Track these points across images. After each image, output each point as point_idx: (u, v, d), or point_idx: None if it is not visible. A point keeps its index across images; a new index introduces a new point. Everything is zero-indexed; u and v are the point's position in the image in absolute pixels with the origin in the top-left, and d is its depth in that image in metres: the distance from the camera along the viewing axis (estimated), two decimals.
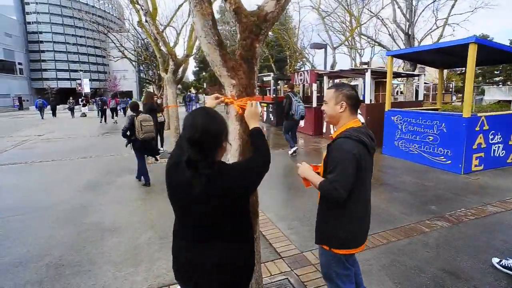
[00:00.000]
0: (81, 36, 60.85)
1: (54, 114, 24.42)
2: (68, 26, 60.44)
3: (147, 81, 21.77)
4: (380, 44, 18.49)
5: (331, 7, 20.74)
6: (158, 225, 3.95)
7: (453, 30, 31.44)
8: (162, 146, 8.95)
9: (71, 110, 23.50)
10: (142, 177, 5.68)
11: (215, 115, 1.32)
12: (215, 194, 1.25)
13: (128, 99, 29.60)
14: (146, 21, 8.28)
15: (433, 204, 4.42)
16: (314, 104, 10.98)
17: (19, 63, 56.30)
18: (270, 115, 14.50)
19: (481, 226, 3.69)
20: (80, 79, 37.69)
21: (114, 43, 19.44)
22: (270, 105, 14.57)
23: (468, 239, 3.38)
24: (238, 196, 1.35)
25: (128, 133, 5.36)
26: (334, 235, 1.76)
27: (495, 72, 40.08)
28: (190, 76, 54.42)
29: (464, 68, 8.54)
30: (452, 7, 16.87)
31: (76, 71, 47.39)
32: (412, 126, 6.91)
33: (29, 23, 59.83)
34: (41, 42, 60.16)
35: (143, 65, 29.08)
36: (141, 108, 6.00)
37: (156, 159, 7.23)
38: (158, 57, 8.80)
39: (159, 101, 8.69)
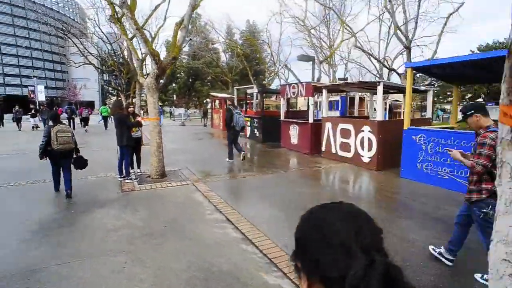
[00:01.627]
0: (36, 40, 55.90)
1: (1, 123, 21.68)
2: (19, 27, 55.30)
3: (114, 89, 19.69)
4: (361, 66, 18.51)
5: (310, 23, 20.47)
6: None
7: (422, 52, 32.48)
8: (139, 167, 7.33)
9: (18, 120, 19.58)
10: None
11: None
12: None
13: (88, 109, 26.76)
14: (123, 15, 6.78)
15: None
16: (311, 119, 9.94)
17: None
18: (255, 130, 13.27)
19: None
20: (33, 85, 34.01)
21: (77, 47, 17.36)
22: (254, 119, 13.37)
23: None
24: None
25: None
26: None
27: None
28: None
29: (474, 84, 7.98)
30: (414, 30, 16.67)
31: (29, 77, 42.82)
32: (441, 147, 6.03)
33: None
34: None
35: (108, 74, 26.80)
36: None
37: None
38: (135, 60, 7.27)
39: (131, 110, 7.09)
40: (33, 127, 19.06)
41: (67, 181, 5.41)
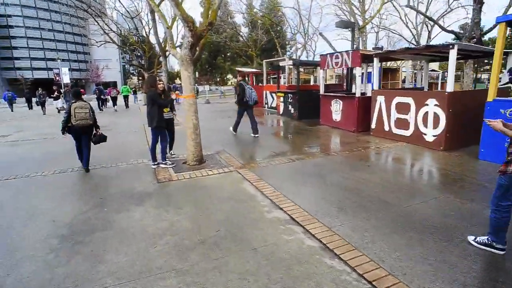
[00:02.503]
0: (57, 22, 55.89)
1: (30, 106, 22.03)
2: (41, 9, 55.35)
3: (136, 67, 18.99)
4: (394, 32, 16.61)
5: None
6: None
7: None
8: (171, 149, 6.60)
9: (42, 104, 18.71)
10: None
11: None
12: None
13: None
14: None
15: None
16: (358, 93, 8.76)
17: None
18: (290, 106, 12.19)
19: None
20: (58, 68, 34.03)
21: (98, 23, 16.55)
22: (288, 95, 12.25)
23: None
24: None
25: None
26: None
27: None
28: (175, 66, 51.13)
29: None
30: None
31: (53, 59, 43.07)
32: None
33: None
34: (11, 27, 54.78)
35: (130, 52, 26.16)
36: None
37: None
38: (164, 28, 6.34)
39: (161, 87, 6.17)
40: (59, 110, 18.41)
41: (85, 158, 5.76)
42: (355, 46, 16.23)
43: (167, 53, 13.51)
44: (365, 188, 4.42)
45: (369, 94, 9.01)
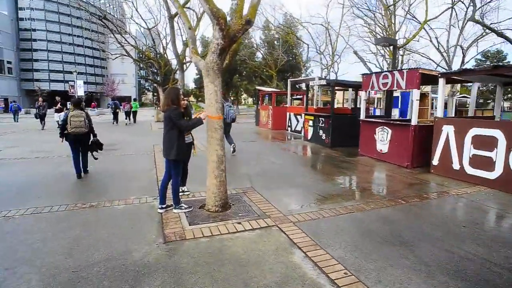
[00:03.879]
0: (78, 36, 56.89)
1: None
2: (64, 24, 56.55)
3: (152, 82, 17.87)
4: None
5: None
6: None
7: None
8: (184, 184, 5.07)
9: (41, 117, 15.75)
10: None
11: None
12: None
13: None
14: None
15: None
16: (414, 121, 7.14)
17: (8, 62, 52.02)
18: (320, 132, 10.61)
19: None
20: (73, 80, 33.74)
21: (114, 36, 15.67)
22: (319, 118, 10.70)
23: None
24: None
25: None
26: None
27: None
28: (190, 83, 50.63)
29: None
30: None
31: (71, 72, 43.25)
32: None
33: (21, 19, 55.70)
34: (34, 40, 55.94)
35: (145, 66, 25.46)
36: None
37: (94, 157, 6.47)
38: (186, 30, 4.99)
39: (184, 103, 4.74)
40: (59, 125, 16.48)
41: (82, 164, 6.07)
42: (388, 66, 14.78)
43: (185, 65, 12.36)
44: (495, 276, 2.72)
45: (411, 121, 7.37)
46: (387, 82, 7.89)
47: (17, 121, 20.70)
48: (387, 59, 25.77)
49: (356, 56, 16.93)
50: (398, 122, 8.07)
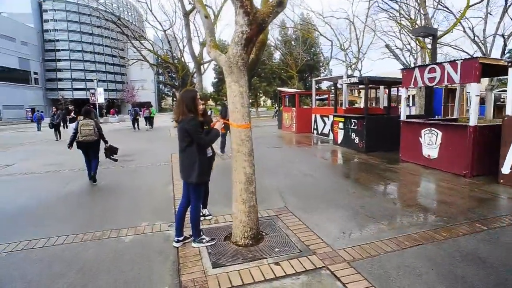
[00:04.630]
0: (99, 44, 58.17)
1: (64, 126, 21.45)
2: (85, 33, 57.96)
3: (170, 87, 17.26)
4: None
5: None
6: None
7: None
8: (204, 207, 4.22)
9: (56, 127, 14.43)
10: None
11: None
12: None
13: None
14: None
15: None
16: (473, 121, 5.99)
17: (35, 73, 53.88)
18: (353, 135, 9.54)
19: None
20: (94, 88, 34.07)
21: (130, 41, 15.26)
22: (351, 120, 9.63)
23: None
24: None
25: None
26: None
27: None
28: (208, 86, 50.38)
29: None
30: None
31: (92, 80, 44.16)
32: None
33: (46, 31, 57.60)
34: (58, 50, 57.72)
35: (163, 71, 25.16)
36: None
37: (114, 159, 6.76)
38: (202, 20, 4.14)
39: (201, 108, 3.93)
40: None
41: (94, 167, 6.21)
42: (415, 63, 13.46)
43: (203, 67, 11.63)
44: None
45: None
46: (435, 77, 6.76)
47: (40, 130, 20.82)
48: (413, 54, 24.11)
49: (388, 50, 15.64)
50: (450, 123, 6.91)
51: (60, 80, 57.86)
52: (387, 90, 12.37)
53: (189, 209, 3.36)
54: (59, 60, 57.81)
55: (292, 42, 33.02)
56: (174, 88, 16.03)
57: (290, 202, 4.73)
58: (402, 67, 17.83)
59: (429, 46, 15.49)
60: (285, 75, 32.22)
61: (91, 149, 6.19)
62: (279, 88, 18.11)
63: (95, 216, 4.36)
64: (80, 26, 58.12)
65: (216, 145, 8.84)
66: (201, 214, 4.16)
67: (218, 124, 3.45)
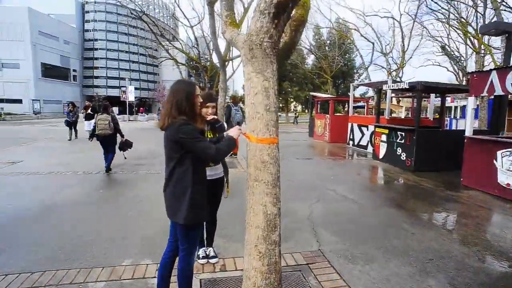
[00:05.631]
0: (134, 44, 59.81)
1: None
2: (122, 33, 59.82)
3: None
4: None
5: None
6: None
7: None
8: (209, 243, 3.09)
9: (72, 125, 13.02)
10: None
11: None
12: None
13: None
14: None
15: None
16: None
17: (74, 70, 56.27)
18: (399, 149, 8.05)
19: None
20: (125, 86, 34.53)
21: (157, 39, 14.65)
22: (397, 132, 8.15)
23: None
24: None
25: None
26: None
27: None
28: (240, 91, 49.68)
29: None
30: None
31: (124, 79, 45.33)
32: None
33: (86, 30, 60.09)
34: (96, 49, 60.00)
35: (194, 71, 24.69)
36: None
37: (125, 157, 7.12)
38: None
39: (210, 113, 2.86)
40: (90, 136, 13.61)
41: (108, 161, 6.77)
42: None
43: (231, 66, 10.60)
44: None
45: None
46: (494, 84, 5.23)
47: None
48: (460, 62, 21.68)
49: (444, 52, 13.78)
50: None
51: (96, 77, 60.06)
52: (430, 100, 10.75)
53: (177, 259, 2.23)
54: (96, 58, 60.07)
55: (327, 48, 31.54)
56: (201, 89, 15.28)
57: (327, 242, 3.49)
58: (451, 74, 15.80)
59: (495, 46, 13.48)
60: (317, 80, 30.71)
61: (107, 142, 6.66)
62: (312, 93, 16.80)
63: (68, 244, 3.36)
64: (118, 26, 60.06)
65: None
66: (205, 254, 3.04)
67: (234, 132, 2.27)
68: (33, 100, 44.86)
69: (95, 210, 4.49)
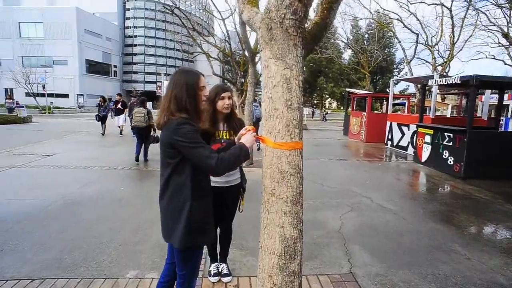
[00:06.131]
0: (170, 40, 61.37)
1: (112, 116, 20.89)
2: (159, 30, 61.55)
3: (229, 82, 16.10)
4: None
5: None
6: None
7: None
8: (223, 259, 2.69)
9: (103, 119, 12.53)
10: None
11: None
12: None
13: None
14: None
15: None
16: None
17: (115, 66, 58.90)
18: (446, 153, 7.16)
19: None
20: (160, 81, 35.42)
21: (189, 32, 14.58)
22: (444, 134, 7.25)
23: None
24: None
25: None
26: None
27: None
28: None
29: None
30: None
31: (161, 74, 46.75)
32: None
33: (127, 27, 62.50)
34: (135, 45, 62.26)
35: (226, 65, 24.54)
36: None
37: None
38: None
39: (226, 106, 2.44)
40: (121, 131, 12.66)
41: (143, 150, 7.26)
42: None
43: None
44: None
45: None
46: None
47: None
48: None
49: (507, 40, 12.15)
50: None
51: (135, 73, 62.45)
52: (483, 97, 9.54)
53: (175, 286, 1.86)
54: (135, 54, 62.41)
55: (365, 42, 29.96)
56: (231, 83, 14.93)
57: (360, 263, 2.96)
58: (508, 68, 14.11)
59: None
60: (354, 76, 29.35)
61: (141, 134, 7.08)
62: (348, 89, 15.83)
63: (73, 248, 3.14)
64: (155, 22, 61.87)
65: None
66: (217, 271, 2.66)
67: (248, 137, 1.83)
68: (77, 94, 47.70)
69: (110, 209, 4.30)
